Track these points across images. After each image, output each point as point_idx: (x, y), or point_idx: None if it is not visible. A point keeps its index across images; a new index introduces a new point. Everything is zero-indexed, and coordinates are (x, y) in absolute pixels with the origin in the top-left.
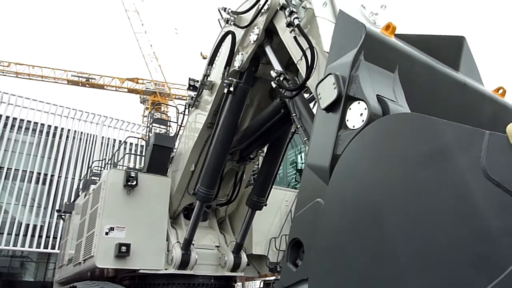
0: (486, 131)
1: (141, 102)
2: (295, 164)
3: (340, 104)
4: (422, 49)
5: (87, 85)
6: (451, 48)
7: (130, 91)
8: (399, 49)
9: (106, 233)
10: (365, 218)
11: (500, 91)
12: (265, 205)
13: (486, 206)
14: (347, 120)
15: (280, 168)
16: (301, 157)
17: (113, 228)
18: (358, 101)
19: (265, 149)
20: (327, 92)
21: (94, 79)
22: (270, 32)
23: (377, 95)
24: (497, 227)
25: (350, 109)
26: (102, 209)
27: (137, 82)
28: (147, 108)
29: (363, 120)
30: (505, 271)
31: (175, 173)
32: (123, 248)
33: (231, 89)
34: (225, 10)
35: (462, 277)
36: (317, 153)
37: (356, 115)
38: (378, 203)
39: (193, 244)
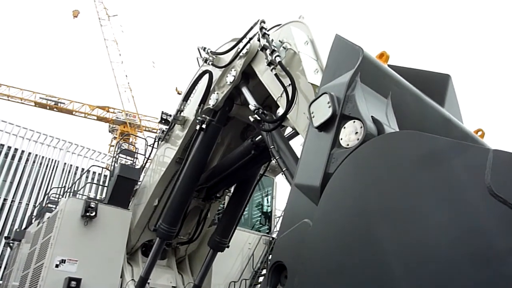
0: (490, 148)
1: (109, 131)
2: (261, 207)
3: (334, 123)
4: (410, 81)
5: (55, 109)
6: (437, 84)
7: (100, 119)
8: (392, 76)
9: (57, 266)
10: (358, 241)
11: (480, 133)
12: (228, 246)
13: (492, 224)
14: (341, 139)
15: (246, 209)
16: (267, 200)
17: (65, 260)
18: (353, 120)
19: (232, 189)
20: (321, 111)
21: (63, 103)
22: (246, 75)
23: (371, 116)
24: (503, 246)
25: (344, 127)
26: (55, 239)
27: (108, 111)
28: (115, 138)
29: (358, 139)
30: None
31: (137, 207)
32: (73, 283)
33: (204, 126)
34: (204, 50)
35: None
36: (307, 172)
37: (351, 133)
38: (373, 225)
39: (148, 283)
